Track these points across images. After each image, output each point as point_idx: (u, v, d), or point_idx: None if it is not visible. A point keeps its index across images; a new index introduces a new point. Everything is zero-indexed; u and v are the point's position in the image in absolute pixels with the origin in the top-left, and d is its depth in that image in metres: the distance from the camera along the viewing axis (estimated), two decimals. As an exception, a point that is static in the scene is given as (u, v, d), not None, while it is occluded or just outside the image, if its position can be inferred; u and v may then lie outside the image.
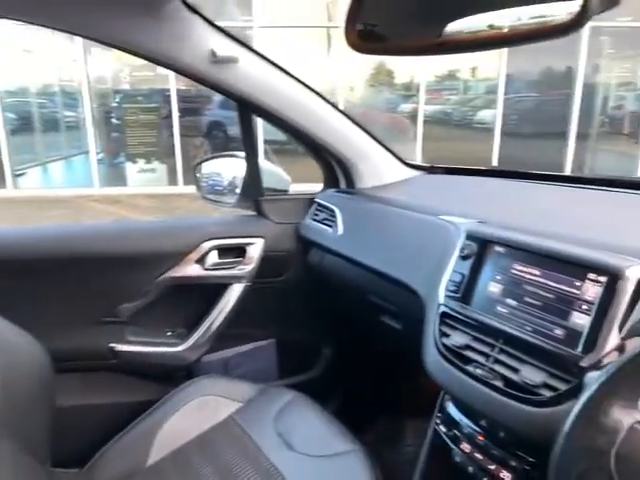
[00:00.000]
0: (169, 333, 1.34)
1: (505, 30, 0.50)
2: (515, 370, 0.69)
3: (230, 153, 1.44)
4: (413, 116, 7.68)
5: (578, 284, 0.67)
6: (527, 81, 8.05)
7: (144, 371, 1.32)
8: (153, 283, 1.27)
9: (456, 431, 0.82)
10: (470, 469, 0.78)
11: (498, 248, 0.79)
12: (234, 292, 1.32)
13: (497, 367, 0.72)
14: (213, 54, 1.06)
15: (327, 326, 1.51)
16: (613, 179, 1.09)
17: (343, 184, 1.44)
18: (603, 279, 0.65)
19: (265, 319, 1.43)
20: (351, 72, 7.66)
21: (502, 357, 0.72)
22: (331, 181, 1.46)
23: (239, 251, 1.32)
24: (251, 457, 0.96)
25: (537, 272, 0.73)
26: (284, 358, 1.47)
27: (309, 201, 1.43)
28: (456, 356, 0.77)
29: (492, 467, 0.75)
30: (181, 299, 1.32)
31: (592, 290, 0.66)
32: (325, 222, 1.32)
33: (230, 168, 1.45)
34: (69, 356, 1.24)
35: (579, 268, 0.68)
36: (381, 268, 1.07)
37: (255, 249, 1.32)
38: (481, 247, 0.81)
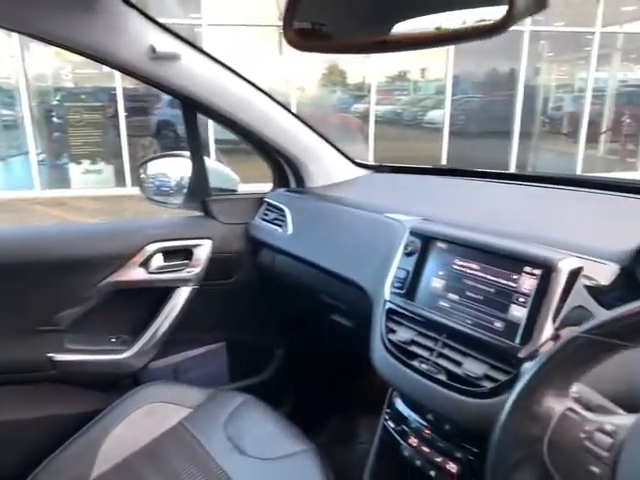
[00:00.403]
0: (113, 340, 1.29)
1: (438, 30, 0.51)
2: (458, 363, 0.71)
3: (175, 153, 1.40)
4: (365, 116, 7.78)
5: (515, 277, 0.70)
6: (474, 82, 8.32)
7: (87, 381, 1.26)
8: (94, 288, 1.22)
9: (404, 426, 0.83)
10: (418, 462, 0.79)
11: (440, 244, 0.81)
12: (181, 296, 1.28)
13: (441, 361, 0.73)
14: (152, 50, 1.03)
15: (279, 327, 1.50)
16: (553, 176, 1.14)
17: (293, 183, 1.43)
18: (538, 272, 0.67)
19: (215, 322, 1.40)
20: (304, 72, 7.66)
21: (445, 351, 0.73)
22: (281, 181, 1.45)
23: (186, 253, 1.28)
24: (201, 463, 0.94)
25: (477, 267, 0.75)
26: (235, 361, 1.45)
27: (259, 201, 1.41)
28: (401, 352, 0.78)
29: (439, 460, 0.77)
30: (125, 304, 1.27)
31: (528, 283, 0.68)
32: (275, 222, 1.31)
33: (177, 168, 1.41)
34: (4, 368, 1.17)
35: (516, 262, 0.70)
36: (330, 267, 1.07)
37: (202, 251, 1.29)
38: (424, 243, 0.82)
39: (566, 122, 8.52)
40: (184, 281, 1.28)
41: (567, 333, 0.62)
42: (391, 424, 0.85)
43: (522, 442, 0.46)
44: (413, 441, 0.81)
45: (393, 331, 0.81)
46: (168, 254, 1.26)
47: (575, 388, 0.50)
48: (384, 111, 8.48)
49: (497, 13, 0.47)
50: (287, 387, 1.50)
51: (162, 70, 1.08)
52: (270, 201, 1.37)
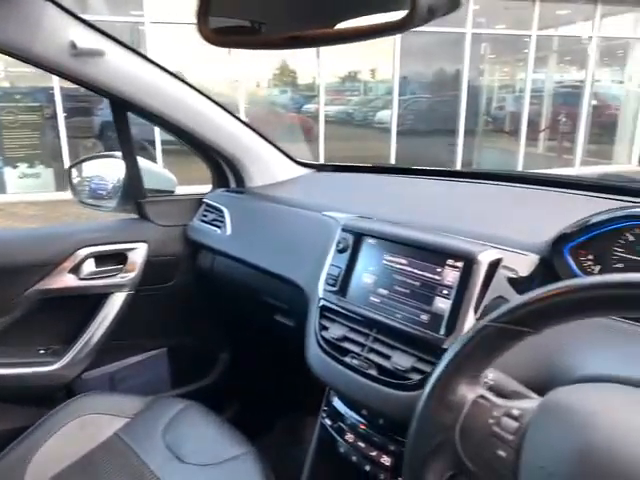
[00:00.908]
0: (42, 351, 1.23)
1: (348, 26, 0.51)
2: (387, 357, 0.72)
3: (106, 154, 1.35)
4: (317, 116, 7.80)
5: (439, 270, 0.71)
6: (422, 83, 8.52)
7: (15, 395, 1.19)
8: (21, 297, 1.15)
9: (340, 423, 0.84)
10: (354, 458, 0.80)
11: (370, 240, 0.81)
12: (116, 302, 1.23)
13: (372, 356, 0.74)
14: (73, 46, 0.98)
15: (222, 330, 1.47)
16: (486, 173, 1.18)
17: (233, 184, 1.41)
18: (460, 264, 0.69)
19: (154, 328, 1.36)
20: (254, 71, 7.59)
21: (376, 346, 0.74)
22: (220, 181, 1.43)
23: (120, 258, 1.24)
24: (137, 475, 0.91)
25: (405, 261, 0.76)
26: (177, 367, 1.41)
27: (197, 202, 1.38)
28: (334, 348, 0.78)
29: (373, 454, 0.77)
30: (55, 313, 1.21)
31: (451, 275, 0.70)
32: (214, 223, 1.28)
33: (115, 170, 1.36)
34: None
35: (439, 255, 0.72)
36: (268, 267, 1.07)
37: (137, 255, 1.25)
38: (356, 240, 0.83)
39: (508, 121, 8.87)
40: (118, 287, 1.23)
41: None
42: (328, 422, 0.86)
43: (437, 430, 0.47)
44: (349, 437, 0.82)
45: (326, 328, 0.81)
46: (100, 259, 1.21)
47: (491, 375, 0.51)
48: (336, 111, 8.53)
49: (401, 12, 0.47)
50: (232, 391, 1.48)
51: (86, 67, 1.04)
52: (209, 202, 1.34)
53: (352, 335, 0.77)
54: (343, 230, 0.85)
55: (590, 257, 0.76)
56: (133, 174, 1.27)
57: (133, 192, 1.29)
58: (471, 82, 8.14)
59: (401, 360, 0.69)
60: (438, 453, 0.46)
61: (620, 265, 0.74)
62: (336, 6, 0.54)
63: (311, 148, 7.52)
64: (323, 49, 7.08)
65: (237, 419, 1.08)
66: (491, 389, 0.49)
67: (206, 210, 1.34)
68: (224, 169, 1.39)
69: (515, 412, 0.45)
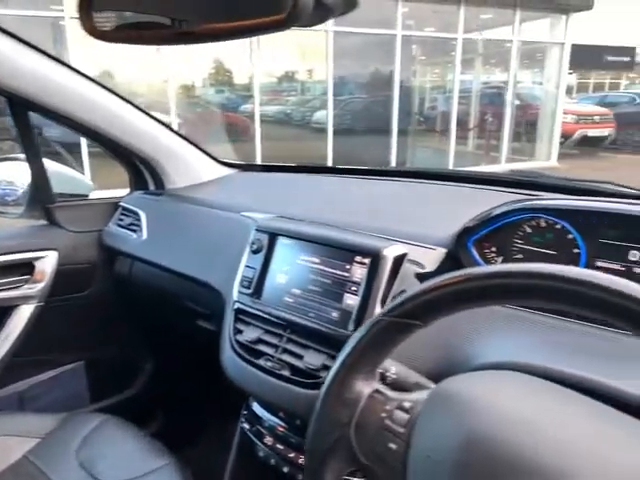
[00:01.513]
0: None
1: (233, 23, 0.50)
2: (300, 357, 0.71)
3: (5, 157, 1.26)
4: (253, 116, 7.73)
5: (348, 267, 0.72)
6: (359, 83, 8.65)
7: None
8: None
9: (259, 426, 0.83)
10: (273, 461, 0.79)
11: (284, 240, 0.81)
12: (22, 315, 1.15)
13: (285, 357, 0.73)
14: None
15: (144, 339, 1.41)
16: (409, 171, 1.21)
17: (152, 186, 1.36)
18: (367, 260, 0.70)
19: (69, 341, 1.28)
20: (188, 70, 7.40)
21: (289, 346, 0.74)
22: (138, 183, 1.37)
23: (26, 267, 1.15)
24: None
25: (317, 260, 0.76)
26: (96, 381, 1.34)
27: (113, 206, 1.32)
28: (248, 351, 0.77)
29: (292, 455, 0.77)
30: None
31: (359, 272, 0.70)
32: (130, 227, 1.23)
33: (25, 174, 1.26)
34: None
35: (348, 252, 0.72)
36: (184, 270, 1.03)
37: (46, 263, 1.17)
38: (270, 240, 0.82)
39: (439, 121, 9.19)
40: (25, 298, 1.15)
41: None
42: (247, 426, 0.84)
43: (333, 427, 0.46)
44: (268, 440, 0.81)
45: (241, 331, 0.80)
46: (3, 269, 1.13)
47: (394, 369, 0.52)
48: (274, 111, 8.50)
49: (285, 9, 0.47)
50: (156, 402, 1.42)
51: None
52: (125, 205, 1.28)
53: (266, 337, 0.76)
54: (257, 230, 0.84)
55: (493, 249, 0.79)
56: (39, 178, 1.19)
57: (40, 197, 1.21)
58: (404, 83, 8.35)
59: (313, 359, 0.69)
60: (335, 450, 0.46)
61: (520, 256, 0.77)
62: (224, 3, 0.52)
63: (249, 148, 7.43)
64: (261, 47, 7.04)
65: (161, 431, 1.04)
66: (393, 383, 0.49)
67: (122, 214, 1.28)
68: (142, 171, 1.34)
69: (407, 404, 0.45)
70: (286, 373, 0.71)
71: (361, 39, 7.67)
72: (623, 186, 0.91)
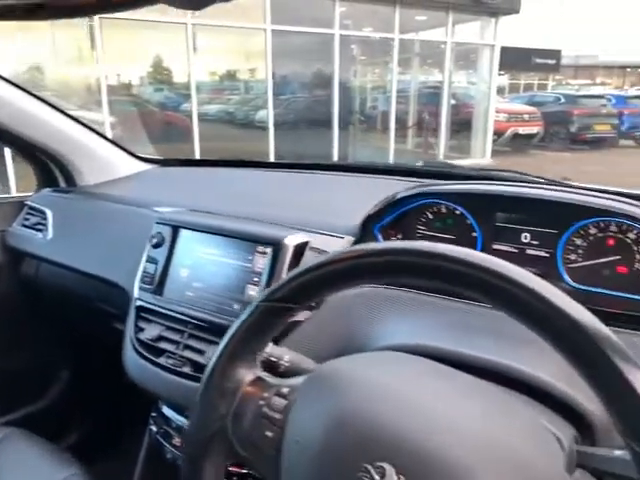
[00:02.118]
0: None
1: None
2: (202, 353, 0.69)
3: None
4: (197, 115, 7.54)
5: (250, 258, 0.70)
6: (302, 82, 8.64)
7: None
8: None
9: (167, 427, 0.79)
10: (181, 462, 0.76)
11: (186, 233, 0.78)
12: None
13: (186, 353, 0.71)
14: None
15: (56, 347, 1.33)
16: (326, 164, 1.21)
17: (63, 183, 1.28)
18: (268, 250, 0.69)
19: None
20: (124, 68, 7.11)
21: (191, 342, 0.71)
22: (47, 181, 1.29)
23: None
24: None
25: (218, 252, 0.74)
26: (4, 391, 1.24)
27: (20, 205, 1.23)
28: (149, 350, 0.74)
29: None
30: None
31: (261, 262, 0.69)
32: (36, 227, 1.15)
33: None
34: None
35: (249, 243, 0.71)
36: (89, 269, 0.98)
37: None
38: (172, 233, 0.79)
39: (380, 120, 9.36)
40: None
41: None
42: (154, 428, 0.81)
43: (213, 419, 0.45)
44: (177, 441, 0.78)
45: (142, 329, 0.76)
46: None
47: (287, 357, 0.50)
48: (217, 110, 8.33)
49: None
50: (71, 412, 1.34)
51: None
52: (31, 204, 1.20)
53: (167, 334, 0.74)
54: (158, 223, 0.80)
55: (399, 236, 0.80)
56: None
57: None
58: (346, 83, 8.44)
59: None
60: (214, 443, 0.44)
61: (423, 242, 0.79)
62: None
63: (188, 149, 7.25)
64: (202, 46, 6.89)
65: (76, 443, 0.98)
66: (286, 372, 0.48)
67: (28, 213, 1.20)
68: (51, 168, 1.26)
69: (285, 390, 0.44)
70: (187, 370, 0.69)
71: (303, 39, 7.68)
72: (525, 174, 0.95)
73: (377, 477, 0.34)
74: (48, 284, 1.16)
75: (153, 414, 0.83)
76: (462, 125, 9.52)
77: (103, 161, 1.29)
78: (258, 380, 0.46)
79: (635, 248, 0.65)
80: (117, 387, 1.36)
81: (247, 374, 0.46)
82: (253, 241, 0.70)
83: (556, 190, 0.66)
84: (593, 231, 0.67)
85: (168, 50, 7.34)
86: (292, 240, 0.68)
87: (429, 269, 0.37)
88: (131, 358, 0.75)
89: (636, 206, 0.62)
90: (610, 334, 0.31)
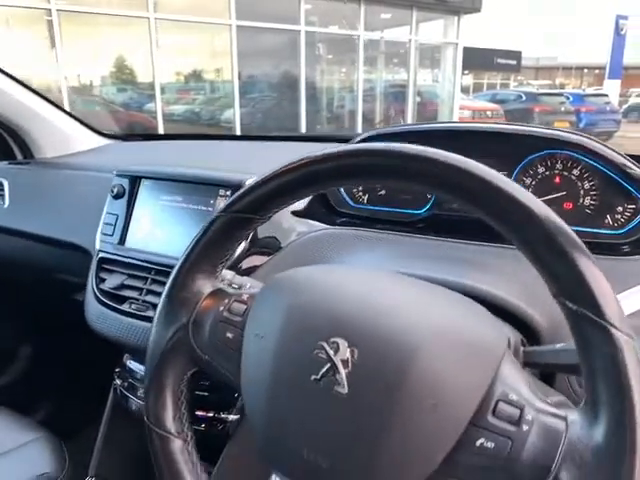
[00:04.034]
0: None
1: None
2: None
3: None
4: (162, 115, 7.42)
5: (212, 202, 0.71)
6: (269, 82, 8.63)
7: None
8: None
9: (131, 380, 0.79)
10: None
11: (146, 182, 0.78)
12: None
13: (149, 298, 0.71)
14: None
15: (13, 324, 1.29)
16: (275, 135, 1.24)
17: (20, 156, 1.25)
18: (230, 192, 0.69)
19: None
20: (87, 68, 6.94)
21: (154, 287, 0.71)
22: (3, 153, 1.25)
23: None
24: None
25: (180, 198, 0.74)
26: None
27: None
28: (111, 298, 0.73)
29: (165, 403, 0.74)
30: None
31: (223, 204, 0.69)
32: (-9, 198, 1.12)
33: None
34: None
35: (211, 187, 0.71)
36: (51, 234, 0.96)
37: None
38: (131, 184, 0.78)
39: (347, 118, 9.45)
40: None
41: None
42: (119, 382, 0.80)
43: (174, 328, 0.45)
44: (141, 392, 0.77)
45: (104, 280, 0.75)
46: None
47: (250, 284, 0.51)
48: (183, 110, 8.23)
49: None
50: (37, 386, 1.31)
51: None
52: None
53: (130, 282, 0.73)
54: (117, 175, 0.80)
55: (361, 188, 0.82)
56: None
57: None
58: (313, 82, 8.47)
59: None
60: (175, 351, 0.45)
61: (383, 192, 0.81)
62: None
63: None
64: (165, 45, 6.79)
65: (43, 415, 0.96)
66: (228, 281, 0.49)
67: None
68: (6, 140, 1.23)
69: (244, 297, 0.45)
70: (151, 313, 0.69)
71: (270, 38, 7.67)
72: None
73: (331, 352, 0.36)
74: (3, 256, 1.12)
75: (117, 370, 0.82)
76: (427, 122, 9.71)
77: (63, 135, 1.27)
78: (218, 291, 0.46)
79: (579, 184, 0.68)
80: (79, 359, 1.34)
81: (206, 285, 0.46)
82: (214, 185, 0.70)
83: (508, 125, 0.69)
84: (541, 169, 0.70)
85: (131, 47, 7.21)
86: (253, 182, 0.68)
87: (383, 168, 0.38)
88: (94, 308, 0.74)
89: (582, 136, 0.65)
90: (548, 213, 0.33)
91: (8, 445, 0.83)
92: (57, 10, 5.88)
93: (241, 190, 0.45)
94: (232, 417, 0.71)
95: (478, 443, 0.33)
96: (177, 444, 0.44)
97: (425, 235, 0.68)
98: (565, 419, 0.32)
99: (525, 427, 0.32)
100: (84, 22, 6.34)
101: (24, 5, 5.81)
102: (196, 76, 8.56)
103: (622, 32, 13.04)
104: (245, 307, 0.44)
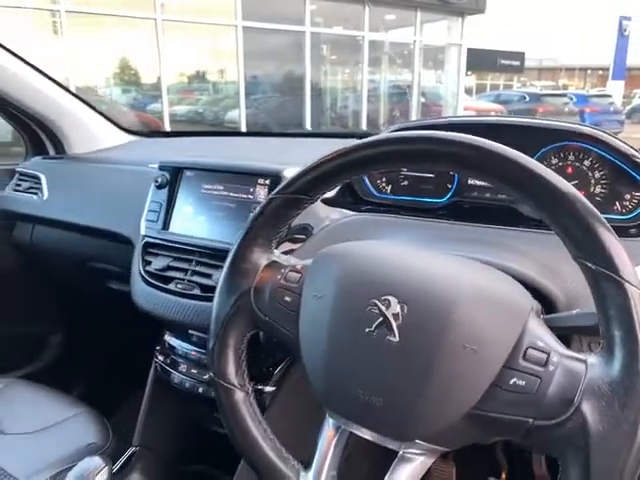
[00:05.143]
0: None
1: None
2: (209, 276, 0.75)
3: None
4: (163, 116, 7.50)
5: (252, 190, 0.77)
6: (273, 83, 8.70)
7: None
8: None
9: (173, 356, 0.85)
10: (188, 385, 0.82)
11: (188, 173, 0.84)
12: None
13: (195, 278, 0.77)
14: None
15: (53, 310, 1.36)
16: (306, 132, 1.29)
17: (52, 151, 1.31)
18: (268, 182, 0.76)
19: None
20: (90, 69, 7.01)
21: (198, 268, 0.77)
22: (36, 148, 1.32)
23: None
24: None
25: (221, 187, 0.80)
26: (2, 356, 1.27)
27: (9, 172, 1.26)
28: (158, 278, 0.79)
29: (205, 376, 0.80)
30: None
31: (262, 192, 0.76)
32: (30, 191, 1.18)
33: None
34: None
35: (250, 176, 0.77)
36: (92, 224, 1.02)
37: None
38: (173, 174, 0.85)
39: (351, 118, 9.51)
40: None
41: None
42: (161, 358, 0.86)
43: (236, 295, 0.51)
44: (183, 367, 0.83)
45: (149, 262, 0.82)
46: None
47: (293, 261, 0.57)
48: (186, 111, 8.30)
49: None
50: (76, 366, 1.37)
51: None
52: (22, 170, 1.23)
53: (176, 264, 0.79)
54: (160, 167, 0.86)
55: (384, 179, 0.88)
56: None
57: None
58: (318, 83, 8.53)
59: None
60: (237, 315, 0.51)
61: (405, 183, 0.87)
62: None
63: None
64: (166, 48, 6.85)
65: (82, 392, 1.02)
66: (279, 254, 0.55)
67: (20, 179, 1.23)
68: (40, 136, 1.29)
69: (298, 267, 0.51)
70: (197, 292, 0.75)
71: (274, 39, 7.73)
72: None
73: (383, 307, 0.42)
74: (42, 247, 1.19)
75: (158, 347, 0.88)
76: (432, 123, 9.74)
77: (92, 131, 1.33)
78: (273, 263, 0.52)
79: (590, 174, 0.74)
80: (117, 341, 1.40)
81: (263, 258, 0.52)
82: (254, 174, 0.77)
83: (523, 119, 0.75)
84: (554, 161, 0.76)
85: (137, 48, 7.27)
86: (290, 172, 0.74)
87: (418, 153, 0.44)
88: (140, 289, 0.81)
89: (594, 129, 0.71)
90: (572, 189, 0.39)
91: (55, 419, 0.89)
92: (66, 11, 5.96)
93: (294, 174, 0.51)
94: (269, 389, 0.77)
95: (511, 382, 0.39)
96: (240, 395, 0.51)
97: (448, 220, 0.74)
98: (585, 362, 0.38)
99: (551, 367, 0.38)
100: (89, 22, 6.40)
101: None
102: (200, 77, 8.63)
103: (626, 33, 13.08)
104: (300, 275, 0.50)
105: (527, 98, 11.25)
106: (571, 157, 0.75)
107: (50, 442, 0.85)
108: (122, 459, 0.87)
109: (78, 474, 0.62)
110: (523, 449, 0.72)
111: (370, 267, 0.45)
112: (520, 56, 16.71)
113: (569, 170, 0.76)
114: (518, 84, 19.75)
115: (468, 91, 13.95)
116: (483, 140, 0.42)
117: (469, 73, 14.16)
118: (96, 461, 0.65)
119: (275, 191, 0.52)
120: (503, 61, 16.08)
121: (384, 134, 0.47)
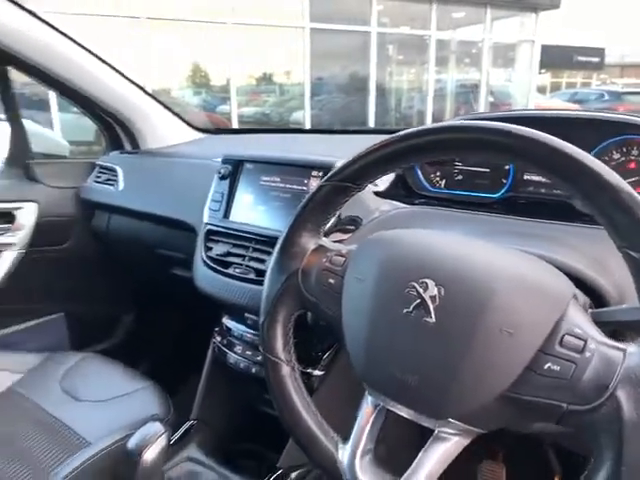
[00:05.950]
0: None
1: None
2: (263, 261, 0.80)
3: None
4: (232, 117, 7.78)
5: (306, 182, 0.81)
6: (338, 84, 8.78)
7: None
8: None
9: (229, 337, 0.90)
10: (242, 365, 0.87)
11: (248, 165, 0.89)
12: (4, 261, 1.20)
13: (251, 263, 0.82)
14: None
15: (123, 292, 1.47)
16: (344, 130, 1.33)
17: (128, 146, 1.42)
18: (321, 173, 0.79)
19: (49, 292, 1.33)
20: (164, 72, 7.41)
21: (255, 254, 0.82)
22: (114, 143, 1.43)
23: (7, 217, 1.21)
24: (33, 419, 0.90)
25: (278, 179, 0.84)
26: (77, 332, 1.39)
27: (90, 165, 1.38)
28: (218, 263, 0.85)
29: (259, 358, 0.85)
30: None
31: (315, 183, 0.79)
32: (108, 182, 1.29)
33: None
34: None
35: (305, 169, 0.81)
36: (160, 212, 1.11)
37: (26, 214, 1.22)
38: (235, 167, 0.90)
39: (416, 119, 9.38)
40: (6, 245, 1.20)
41: None
42: (218, 338, 0.92)
43: (285, 275, 0.55)
44: (238, 349, 0.89)
45: (211, 248, 0.88)
46: None
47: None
48: (253, 112, 8.56)
49: None
50: (142, 345, 1.48)
51: None
52: (102, 163, 1.35)
53: (235, 250, 0.85)
54: (224, 161, 0.92)
55: (438, 173, 0.89)
56: (18, 135, 1.25)
57: (19, 154, 1.27)
58: (382, 83, 8.49)
59: None
60: (286, 294, 0.54)
61: (460, 177, 0.87)
62: None
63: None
64: (235, 51, 7.09)
65: (148, 368, 1.10)
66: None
67: (100, 172, 1.34)
68: (117, 132, 1.40)
69: (343, 251, 0.54)
70: (252, 276, 0.80)
71: (340, 41, 7.78)
72: None
73: (421, 290, 0.43)
74: (117, 234, 1.29)
75: (216, 329, 0.94)
76: (501, 123, 9.41)
77: (164, 128, 1.43)
78: (320, 247, 0.55)
79: None
80: (179, 323, 1.50)
81: (311, 242, 0.56)
82: (308, 167, 0.80)
83: (581, 112, 0.73)
84: (616, 155, 0.74)
85: (207, 51, 7.56)
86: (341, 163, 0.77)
87: (471, 143, 0.45)
88: (202, 272, 0.87)
89: None
90: (618, 179, 0.39)
91: (123, 390, 0.97)
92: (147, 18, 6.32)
93: (343, 162, 0.54)
94: (317, 372, 0.80)
95: (546, 367, 0.39)
96: (286, 370, 0.54)
97: (501, 215, 0.74)
98: (624, 350, 0.38)
99: (588, 354, 0.38)
100: (163, 28, 6.74)
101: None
102: (267, 79, 8.85)
103: None
104: (344, 259, 0.53)
105: (606, 96, 10.56)
106: (634, 152, 0.73)
107: (117, 410, 0.93)
108: (181, 430, 0.94)
109: (141, 436, 0.69)
110: (576, 454, 0.70)
111: (411, 252, 0.47)
112: (599, 52, 15.73)
113: (632, 165, 0.73)
114: (597, 82, 18.57)
115: (541, 90, 13.32)
116: (528, 130, 0.42)
117: (543, 71, 13.51)
118: (157, 427, 0.71)
119: (324, 179, 0.55)
120: (580, 58, 15.21)
121: (429, 125, 0.48)
